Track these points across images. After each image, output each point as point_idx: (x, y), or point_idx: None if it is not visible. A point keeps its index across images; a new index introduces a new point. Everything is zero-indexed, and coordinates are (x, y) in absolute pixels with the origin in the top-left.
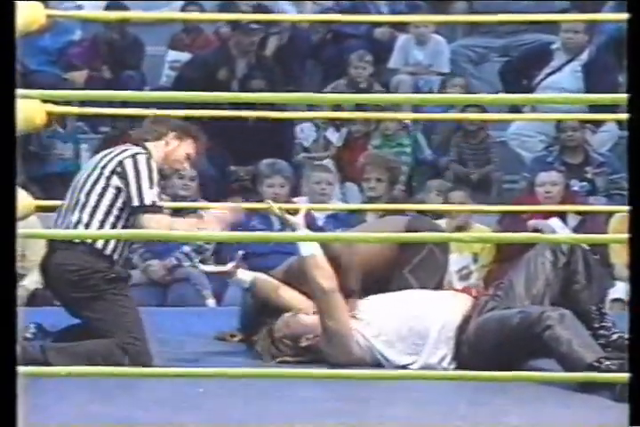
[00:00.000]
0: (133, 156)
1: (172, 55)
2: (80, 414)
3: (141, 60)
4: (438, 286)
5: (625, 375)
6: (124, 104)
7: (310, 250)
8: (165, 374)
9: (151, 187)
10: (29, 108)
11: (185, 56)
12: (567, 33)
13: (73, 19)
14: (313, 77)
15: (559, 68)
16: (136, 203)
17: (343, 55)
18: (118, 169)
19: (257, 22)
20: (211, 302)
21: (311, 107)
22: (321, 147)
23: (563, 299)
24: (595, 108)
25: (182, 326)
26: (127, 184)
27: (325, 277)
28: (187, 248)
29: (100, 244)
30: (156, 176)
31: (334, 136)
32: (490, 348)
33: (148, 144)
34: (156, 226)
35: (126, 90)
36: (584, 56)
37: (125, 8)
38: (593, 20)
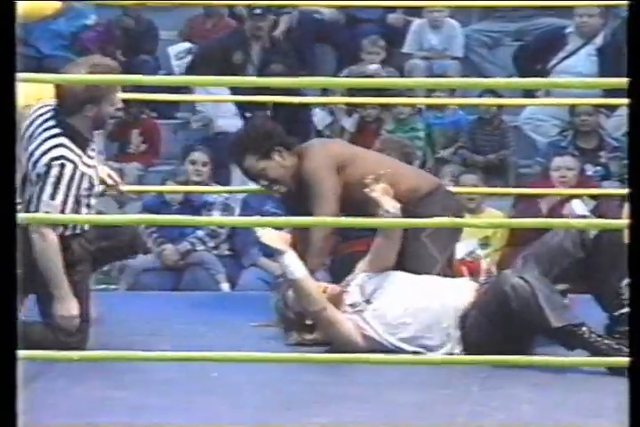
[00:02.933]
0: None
1: (177, 48)
2: (93, 399)
3: (156, 45)
4: (450, 258)
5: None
6: (138, 88)
7: (297, 274)
8: (174, 358)
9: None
10: (39, 91)
11: (188, 46)
12: (582, 17)
13: (87, 3)
14: (326, 62)
15: (574, 53)
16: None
17: (357, 40)
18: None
19: (269, 7)
20: (225, 286)
21: (324, 92)
22: (335, 132)
23: (584, 282)
24: (609, 92)
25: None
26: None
27: (313, 301)
28: (200, 233)
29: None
30: (66, 187)
31: (348, 122)
32: (492, 331)
33: None
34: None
35: (140, 74)
36: (598, 40)
37: None
38: (606, 5)
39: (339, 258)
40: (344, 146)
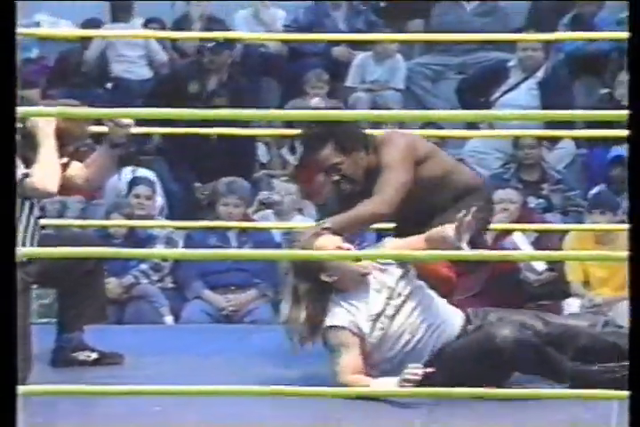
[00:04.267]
0: None
1: (139, 73)
2: None
3: (105, 78)
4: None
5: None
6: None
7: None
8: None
9: None
10: None
11: (149, 73)
12: (524, 51)
13: (31, 36)
14: (270, 95)
15: (516, 86)
16: None
17: (301, 73)
18: None
19: (213, 39)
20: (169, 319)
21: (268, 125)
22: (279, 165)
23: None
24: (551, 125)
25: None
26: None
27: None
28: (144, 266)
29: None
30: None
31: (290, 154)
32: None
33: None
34: None
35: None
36: (540, 74)
37: (97, 25)
38: (583, 38)
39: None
40: (422, 140)
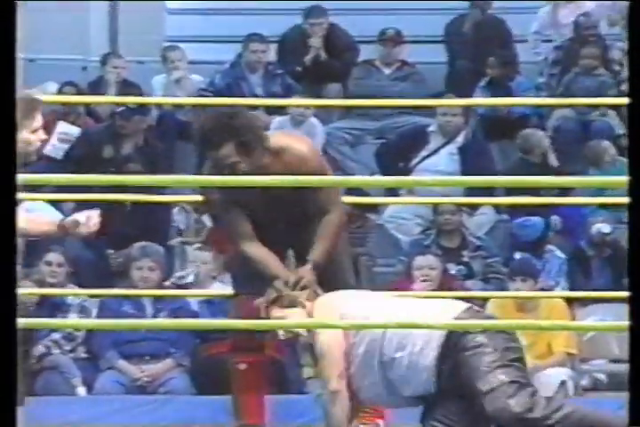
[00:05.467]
0: None
1: (62, 127)
2: None
3: None
4: None
5: None
6: None
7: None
8: None
9: None
10: None
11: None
12: (444, 116)
13: None
14: (186, 160)
15: (435, 151)
16: None
17: None
18: None
19: (128, 104)
20: (81, 390)
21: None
22: (196, 229)
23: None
24: (471, 191)
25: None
26: None
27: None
28: (56, 335)
29: None
30: None
31: (208, 219)
32: None
33: None
34: None
35: None
36: (460, 139)
37: None
38: (570, 104)
39: (199, 360)
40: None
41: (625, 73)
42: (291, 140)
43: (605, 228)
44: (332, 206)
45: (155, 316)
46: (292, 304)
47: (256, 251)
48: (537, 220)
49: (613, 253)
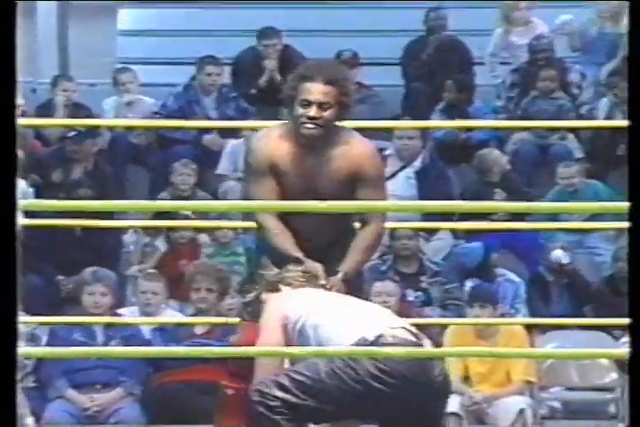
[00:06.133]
0: None
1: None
2: None
3: None
4: None
5: None
6: None
7: None
8: None
9: None
10: None
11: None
12: (401, 139)
13: None
14: (138, 185)
15: (393, 175)
16: None
17: (170, 161)
18: None
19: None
20: (29, 420)
21: (138, 214)
22: (147, 254)
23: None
24: (428, 215)
25: None
26: None
27: None
28: None
29: None
30: None
31: (160, 244)
32: None
33: None
34: None
35: None
36: (417, 163)
37: None
38: (529, 128)
39: (150, 389)
40: None
41: (583, 96)
42: (360, 137)
43: (565, 258)
44: (373, 218)
45: (106, 343)
46: (274, 288)
47: (272, 224)
48: (475, 245)
49: (572, 281)
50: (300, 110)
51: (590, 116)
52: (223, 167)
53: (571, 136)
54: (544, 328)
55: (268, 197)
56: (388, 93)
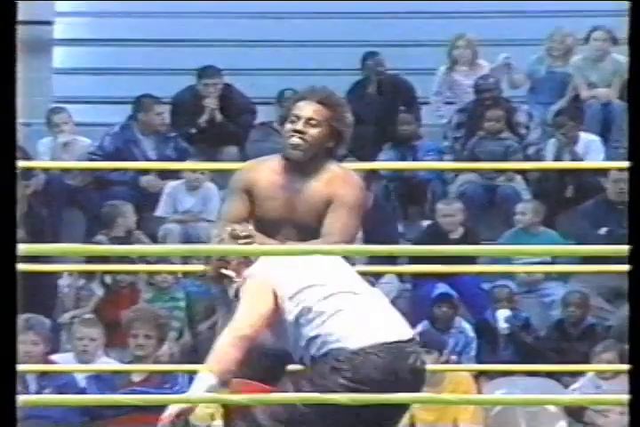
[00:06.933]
0: None
1: None
2: None
3: None
4: None
5: None
6: None
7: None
8: None
9: None
10: None
11: None
12: None
13: None
14: (74, 227)
15: None
16: None
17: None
18: None
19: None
20: None
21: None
22: (84, 298)
23: None
24: (375, 259)
25: None
26: None
27: None
28: None
29: None
30: None
31: (97, 287)
32: None
33: None
34: None
35: None
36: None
37: None
38: (475, 169)
39: None
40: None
41: (531, 136)
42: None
43: (510, 320)
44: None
45: (39, 392)
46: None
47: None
48: (441, 289)
49: (521, 329)
50: (289, 126)
51: (537, 157)
52: (162, 209)
53: (518, 177)
54: (491, 375)
55: (237, 215)
56: None
